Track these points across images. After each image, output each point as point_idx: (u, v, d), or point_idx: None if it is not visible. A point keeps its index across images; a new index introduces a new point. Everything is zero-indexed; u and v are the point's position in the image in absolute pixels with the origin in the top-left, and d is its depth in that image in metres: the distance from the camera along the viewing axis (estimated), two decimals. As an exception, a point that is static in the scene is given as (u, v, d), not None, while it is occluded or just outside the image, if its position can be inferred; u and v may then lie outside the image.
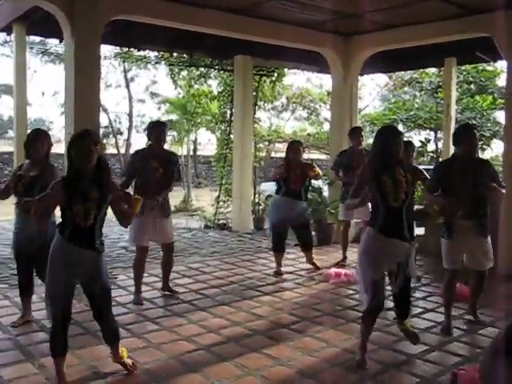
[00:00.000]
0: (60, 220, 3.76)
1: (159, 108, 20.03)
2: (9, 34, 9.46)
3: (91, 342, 4.61)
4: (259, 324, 5.17)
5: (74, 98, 6.50)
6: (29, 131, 5.27)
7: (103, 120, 26.67)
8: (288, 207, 7.00)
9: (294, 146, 7.14)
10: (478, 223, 4.92)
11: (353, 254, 7.63)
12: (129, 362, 4.05)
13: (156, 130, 5.84)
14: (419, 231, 7.86)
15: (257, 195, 12.28)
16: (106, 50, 11.76)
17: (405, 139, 4.79)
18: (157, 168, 5.70)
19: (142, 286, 5.94)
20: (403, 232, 4.14)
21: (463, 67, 14.95)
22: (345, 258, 7.79)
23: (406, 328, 4.55)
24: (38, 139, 4.86)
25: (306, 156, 7.41)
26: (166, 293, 6.12)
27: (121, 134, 29.60)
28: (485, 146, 15.98)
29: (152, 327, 5.06)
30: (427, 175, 6.34)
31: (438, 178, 5.04)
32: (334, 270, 7.05)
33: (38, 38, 11.87)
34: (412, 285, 6.25)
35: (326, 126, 18.66)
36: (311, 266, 7.39)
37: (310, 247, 7.39)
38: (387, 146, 4.13)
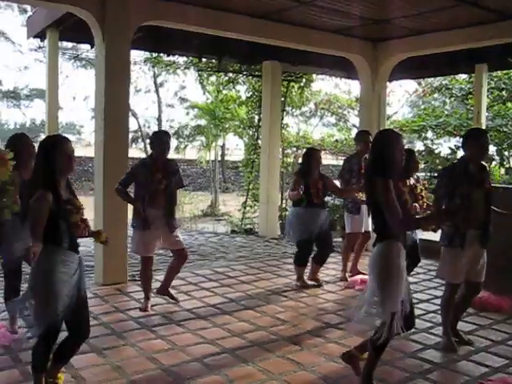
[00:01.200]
0: None
1: (187, 113, 20.19)
2: (42, 39, 9.65)
3: (116, 342, 4.67)
4: (283, 329, 5.17)
5: (104, 103, 6.60)
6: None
7: (133, 124, 27.07)
8: (312, 219, 6.64)
9: (317, 155, 6.78)
10: (484, 233, 4.68)
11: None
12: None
13: (160, 140, 5.67)
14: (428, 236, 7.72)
15: (284, 201, 12.30)
16: (136, 55, 11.94)
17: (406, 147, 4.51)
18: (160, 180, 5.54)
19: (150, 293, 5.83)
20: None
21: (494, 73, 14.75)
22: (345, 271, 7.35)
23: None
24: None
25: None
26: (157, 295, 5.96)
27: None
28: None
29: (177, 330, 5.09)
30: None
31: (447, 183, 4.73)
32: (359, 277, 7.01)
33: (70, 44, 12.10)
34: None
35: (354, 132, 18.56)
36: (314, 281, 6.94)
37: (323, 261, 6.99)
38: (394, 153, 3.65)
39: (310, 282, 6.90)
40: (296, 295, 6.40)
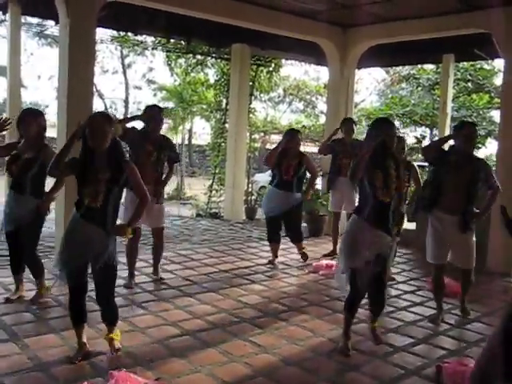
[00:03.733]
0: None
1: (155, 95, 19.94)
2: (4, 13, 9.32)
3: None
4: (246, 312, 5.16)
5: (68, 82, 6.40)
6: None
7: (99, 106, 26.57)
8: (281, 199, 6.85)
9: (293, 134, 6.96)
10: (462, 220, 4.88)
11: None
12: (117, 345, 4.07)
13: (152, 113, 5.73)
14: (410, 226, 7.87)
15: (250, 185, 12.27)
16: (103, 33, 11.65)
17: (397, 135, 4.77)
18: (151, 152, 5.62)
19: (135, 270, 5.93)
20: (388, 225, 4.15)
21: (461, 65, 14.95)
22: (334, 250, 7.65)
23: (374, 327, 4.54)
24: (28, 118, 4.82)
25: (301, 148, 7.24)
26: (155, 277, 6.10)
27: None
28: (479, 145, 16.00)
29: (138, 311, 5.03)
30: (419, 177, 6.34)
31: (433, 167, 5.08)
32: (325, 262, 7.04)
33: (35, 20, 11.74)
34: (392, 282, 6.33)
35: (322, 119, 18.63)
36: (300, 257, 7.31)
37: (297, 240, 7.24)
38: (382, 138, 4.07)
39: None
40: (259, 279, 6.39)
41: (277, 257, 7.21)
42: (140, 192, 3.94)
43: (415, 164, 6.54)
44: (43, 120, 4.94)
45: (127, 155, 5.16)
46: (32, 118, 4.85)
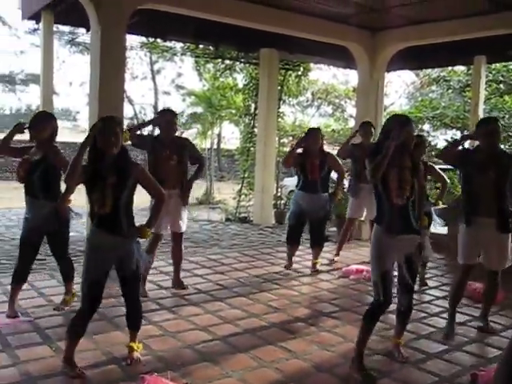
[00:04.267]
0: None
1: (183, 100, 20.07)
2: (37, 22, 9.50)
3: (107, 328, 4.64)
4: (276, 316, 5.14)
5: (99, 87, 6.51)
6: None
7: (128, 111, 26.92)
8: (307, 201, 6.71)
9: (313, 133, 6.74)
10: (499, 220, 4.68)
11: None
12: (136, 356, 4.02)
13: (165, 117, 5.62)
14: (442, 230, 7.75)
15: (279, 189, 12.26)
16: (133, 40, 11.80)
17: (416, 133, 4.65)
18: (169, 156, 5.49)
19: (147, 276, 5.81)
20: (411, 226, 3.96)
21: (493, 66, 14.70)
22: (337, 255, 7.61)
23: (398, 343, 4.34)
24: (41, 122, 4.81)
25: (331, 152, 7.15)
26: (178, 289, 5.90)
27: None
28: (513, 147, 15.71)
29: (169, 316, 5.06)
30: (441, 173, 6.22)
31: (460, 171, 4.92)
32: (355, 266, 6.98)
33: (67, 28, 11.94)
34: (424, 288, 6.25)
35: (351, 123, 18.51)
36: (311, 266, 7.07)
37: (318, 245, 7.01)
38: (399, 134, 3.82)
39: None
40: (289, 283, 6.37)
41: (291, 261, 7.08)
42: (155, 191, 3.97)
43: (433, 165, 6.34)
44: (56, 124, 4.90)
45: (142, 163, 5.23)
46: (46, 121, 4.83)
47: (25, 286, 5.64)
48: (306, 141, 6.67)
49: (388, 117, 4.37)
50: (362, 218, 7.71)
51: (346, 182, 8.56)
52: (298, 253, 7.29)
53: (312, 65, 13.15)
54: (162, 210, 4.80)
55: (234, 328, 4.79)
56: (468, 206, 4.79)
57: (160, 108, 28.34)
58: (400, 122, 3.96)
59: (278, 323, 4.96)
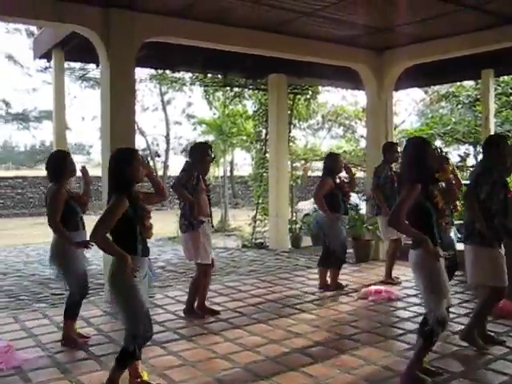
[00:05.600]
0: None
1: (194, 129, 20.22)
2: (49, 60, 9.70)
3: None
4: (296, 342, 5.09)
5: (110, 121, 6.59)
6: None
7: (141, 143, 27.15)
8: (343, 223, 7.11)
9: (340, 159, 7.09)
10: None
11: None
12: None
13: (204, 151, 5.90)
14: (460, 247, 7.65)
15: (294, 214, 12.24)
16: (142, 72, 11.96)
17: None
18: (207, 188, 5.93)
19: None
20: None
21: (501, 79, 14.70)
22: (389, 277, 7.60)
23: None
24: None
25: (342, 174, 7.22)
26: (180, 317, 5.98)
27: (158, 156, 30.10)
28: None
29: (188, 345, 5.03)
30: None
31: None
32: (373, 287, 6.92)
33: (78, 65, 12.15)
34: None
35: (363, 143, 18.53)
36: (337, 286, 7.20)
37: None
38: (427, 158, 3.97)
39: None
40: (308, 307, 6.32)
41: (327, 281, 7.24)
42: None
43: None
44: None
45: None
46: None
47: (44, 321, 5.68)
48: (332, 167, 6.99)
49: (414, 140, 4.64)
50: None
51: (363, 205, 8.64)
52: (315, 276, 7.27)
53: (320, 88, 13.22)
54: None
55: (255, 355, 4.75)
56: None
57: (170, 138, 28.61)
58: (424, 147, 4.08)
59: (298, 348, 4.91)
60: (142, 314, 3.73)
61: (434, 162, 4.06)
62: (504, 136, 5.36)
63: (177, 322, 5.77)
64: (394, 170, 7.44)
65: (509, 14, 7.08)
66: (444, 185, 4.66)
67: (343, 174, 7.18)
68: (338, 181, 7.00)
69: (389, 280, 7.49)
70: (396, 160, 7.41)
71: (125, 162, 3.84)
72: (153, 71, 12.91)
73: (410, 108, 23.00)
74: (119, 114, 6.62)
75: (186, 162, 5.99)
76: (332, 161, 6.99)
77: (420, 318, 5.55)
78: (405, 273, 7.69)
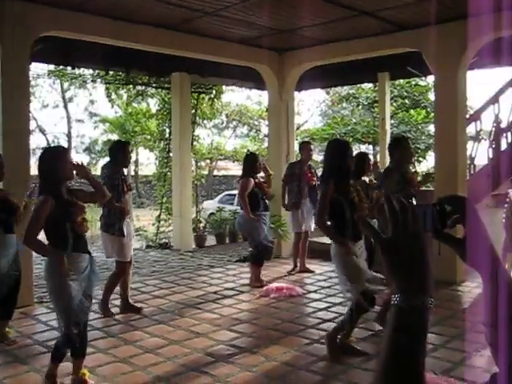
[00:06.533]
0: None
1: (96, 127, 19.69)
2: None
3: (20, 368, 4.43)
4: (197, 342, 5.08)
5: (2, 119, 6.25)
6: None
7: (41, 141, 26.06)
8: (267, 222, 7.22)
9: (258, 159, 7.24)
10: None
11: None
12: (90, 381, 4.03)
13: (124, 149, 6.03)
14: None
15: (199, 213, 12.18)
16: (41, 68, 11.48)
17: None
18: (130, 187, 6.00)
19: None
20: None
21: (397, 82, 15.40)
22: (296, 266, 7.99)
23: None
24: None
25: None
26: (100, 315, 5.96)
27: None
28: (421, 159, 16.45)
29: (87, 350, 4.87)
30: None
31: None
32: (275, 285, 7.04)
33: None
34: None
35: (267, 143, 18.82)
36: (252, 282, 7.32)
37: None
38: (345, 159, 4.40)
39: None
40: (210, 307, 6.32)
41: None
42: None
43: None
44: None
45: None
46: None
47: None
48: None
49: (333, 142, 5.01)
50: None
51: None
52: (218, 275, 7.31)
53: (224, 87, 13.26)
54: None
55: (155, 357, 4.69)
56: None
57: (72, 136, 27.76)
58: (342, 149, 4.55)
59: (199, 348, 4.90)
60: (70, 308, 3.76)
61: (350, 161, 4.46)
62: (404, 137, 5.76)
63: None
64: (311, 168, 7.93)
65: (401, 21, 7.42)
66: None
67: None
68: (256, 180, 7.10)
69: (303, 269, 7.99)
70: (310, 158, 7.94)
71: (50, 160, 3.89)
72: (52, 67, 12.43)
73: (312, 108, 23.53)
74: (12, 112, 6.28)
75: (108, 164, 6.01)
76: (251, 161, 7.12)
77: (320, 314, 5.77)
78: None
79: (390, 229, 0.87)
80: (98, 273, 4.17)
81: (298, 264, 8.04)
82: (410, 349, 0.82)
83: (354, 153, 5.14)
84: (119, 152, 5.94)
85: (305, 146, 8.12)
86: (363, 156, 6.43)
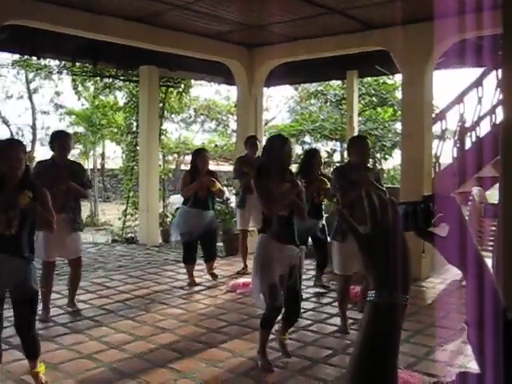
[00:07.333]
0: None
1: (61, 120, 19.32)
2: None
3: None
4: (163, 337, 5.06)
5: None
6: None
7: (4, 133, 25.50)
8: (197, 218, 6.84)
9: (202, 155, 7.01)
10: None
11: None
12: (43, 379, 3.96)
13: (59, 140, 5.59)
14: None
15: (165, 208, 12.11)
16: (5, 57, 11.22)
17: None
18: (62, 180, 5.41)
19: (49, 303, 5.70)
20: (294, 238, 4.30)
21: (365, 80, 15.52)
22: (246, 266, 7.73)
23: (284, 339, 4.61)
24: None
25: (215, 168, 7.34)
26: (72, 309, 5.87)
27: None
28: (387, 156, 16.62)
29: (50, 346, 4.81)
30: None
31: (336, 182, 5.16)
32: (242, 280, 7.04)
33: None
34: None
35: (234, 138, 18.79)
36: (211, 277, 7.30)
37: (211, 258, 7.26)
38: (278, 154, 4.24)
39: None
40: (176, 302, 6.30)
41: (193, 276, 7.17)
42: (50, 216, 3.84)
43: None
44: None
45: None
46: None
47: None
48: (194, 162, 6.91)
49: (270, 137, 4.88)
50: (251, 228, 7.82)
51: (233, 199, 8.81)
52: (184, 270, 7.27)
53: (193, 81, 13.18)
54: (53, 236, 5.03)
55: (121, 353, 4.66)
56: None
57: (37, 128, 27.23)
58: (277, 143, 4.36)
59: (165, 344, 4.88)
60: None
61: (285, 155, 4.28)
62: (362, 136, 5.80)
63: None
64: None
65: (370, 20, 7.49)
66: None
67: None
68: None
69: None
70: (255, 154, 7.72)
71: None
72: (17, 56, 12.16)
73: (281, 104, 23.55)
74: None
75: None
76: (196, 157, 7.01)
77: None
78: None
79: (369, 225, 0.87)
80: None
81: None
82: (383, 346, 0.82)
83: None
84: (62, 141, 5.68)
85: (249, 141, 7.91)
86: (312, 152, 6.76)
